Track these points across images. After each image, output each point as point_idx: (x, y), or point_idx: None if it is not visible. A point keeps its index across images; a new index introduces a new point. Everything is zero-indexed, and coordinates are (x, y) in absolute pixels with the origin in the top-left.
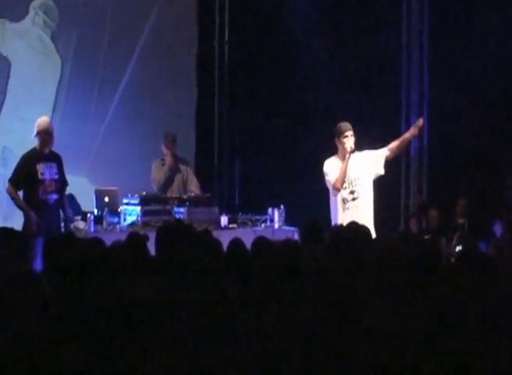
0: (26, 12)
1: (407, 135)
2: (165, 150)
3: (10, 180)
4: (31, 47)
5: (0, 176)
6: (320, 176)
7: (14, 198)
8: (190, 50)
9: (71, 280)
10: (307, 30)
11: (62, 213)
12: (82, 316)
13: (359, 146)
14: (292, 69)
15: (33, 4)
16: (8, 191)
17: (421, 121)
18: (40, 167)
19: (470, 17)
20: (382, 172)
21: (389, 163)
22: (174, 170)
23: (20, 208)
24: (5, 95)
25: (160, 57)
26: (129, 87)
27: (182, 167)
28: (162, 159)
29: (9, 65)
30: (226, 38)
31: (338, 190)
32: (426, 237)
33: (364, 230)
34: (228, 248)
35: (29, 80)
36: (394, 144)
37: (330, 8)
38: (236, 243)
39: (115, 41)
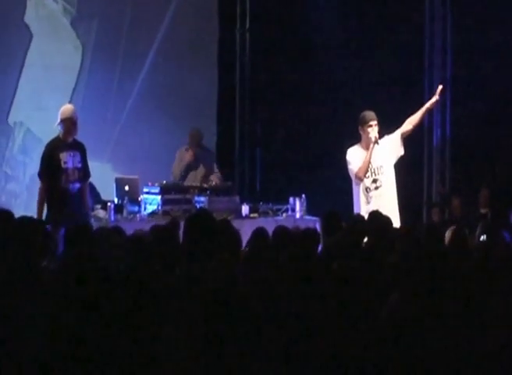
0: None
1: (428, 105)
2: (188, 150)
3: (39, 174)
4: (52, 27)
5: (20, 163)
6: (342, 165)
7: (38, 200)
8: (210, 39)
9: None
10: (329, 17)
11: None
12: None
13: (381, 134)
14: (313, 57)
15: None
16: (39, 189)
17: (440, 87)
18: (64, 156)
19: (494, 13)
20: (402, 152)
21: (411, 153)
22: (192, 167)
23: (37, 208)
24: (21, 70)
25: (181, 46)
26: (149, 76)
27: (205, 162)
28: (187, 149)
29: (31, 36)
30: (247, 27)
31: (360, 179)
32: (451, 228)
33: (385, 219)
34: (251, 237)
35: (48, 65)
36: (416, 115)
37: None
38: (260, 232)
39: (135, 29)
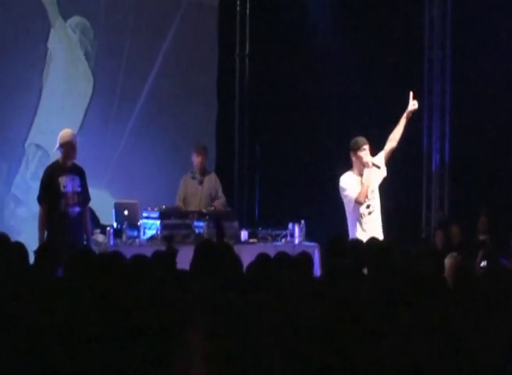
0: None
1: (405, 115)
2: (195, 157)
3: (38, 199)
4: (70, 55)
5: (31, 189)
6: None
7: (39, 224)
8: (210, 63)
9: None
10: (328, 41)
11: None
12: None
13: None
14: (313, 81)
15: (69, 21)
16: (39, 214)
17: (411, 94)
18: (63, 180)
19: (492, 25)
20: (385, 174)
21: (410, 178)
22: (197, 190)
23: (39, 236)
24: (40, 94)
25: (180, 70)
26: (148, 100)
27: (212, 182)
28: (192, 172)
29: (50, 61)
30: (247, 51)
31: (361, 203)
32: (451, 254)
33: (385, 246)
34: (254, 262)
35: (65, 90)
36: (398, 129)
37: (352, 19)
38: (263, 258)
39: (135, 52)
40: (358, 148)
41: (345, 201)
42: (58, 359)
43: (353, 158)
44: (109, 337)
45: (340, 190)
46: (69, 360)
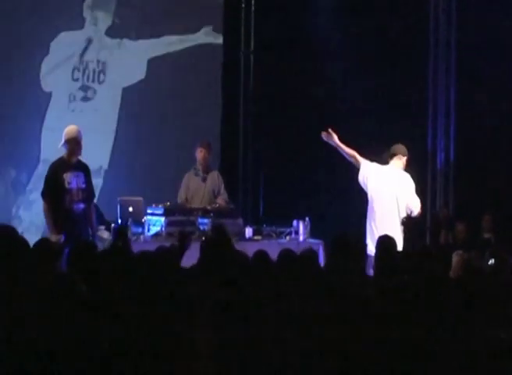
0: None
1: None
2: (199, 152)
3: (42, 194)
4: None
5: None
6: (344, 188)
7: (46, 217)
8: (215, 60)
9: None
10: (334, 39)
11: None
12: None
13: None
14: (318, 80)
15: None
16: (43, 208)
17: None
18: (68, 176)
19: (498, 22)
20: None
21: (415, 177)
22: (199, 188)
23: (48, 226)
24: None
25: (184, 67)
26: (153, 98)
27: (214, 179)
28: (195, 168)
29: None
30: (252, 48)
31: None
32: (458, 252)
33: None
34: (252, 259)
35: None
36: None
37: (356, 17)
38: (260, 255)
39: (138, 49)
40: (406, 157)
41: (411, 203)
42: (57, 357)
43: (405, 162)
44: (110, 335)
45: (410, 189)
46: (69, 359)
